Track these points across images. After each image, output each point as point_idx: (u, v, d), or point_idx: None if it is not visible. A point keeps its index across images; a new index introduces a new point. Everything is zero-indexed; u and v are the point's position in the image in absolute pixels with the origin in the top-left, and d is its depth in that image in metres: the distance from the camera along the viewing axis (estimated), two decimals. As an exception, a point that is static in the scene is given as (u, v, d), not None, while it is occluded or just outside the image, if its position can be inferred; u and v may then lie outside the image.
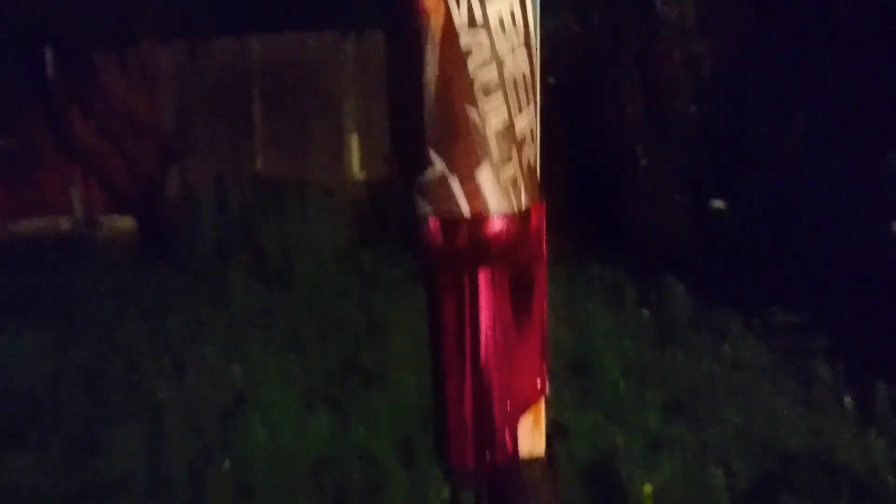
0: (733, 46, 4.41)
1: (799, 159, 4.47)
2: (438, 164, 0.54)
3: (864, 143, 4.09)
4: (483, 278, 0.54)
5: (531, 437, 0.58)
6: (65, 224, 6.26)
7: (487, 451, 0.55)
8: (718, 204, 4.27)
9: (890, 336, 3.52)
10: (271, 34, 6.47)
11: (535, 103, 0.57)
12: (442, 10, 0.51)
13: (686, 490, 2.44)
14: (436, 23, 0.52)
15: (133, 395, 3.04)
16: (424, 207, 0.55)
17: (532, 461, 0.59)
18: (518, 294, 0.55)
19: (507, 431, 0.55)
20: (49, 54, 5.93)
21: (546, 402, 0.60)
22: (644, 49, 4.35)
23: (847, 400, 2.99)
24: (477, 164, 0.54)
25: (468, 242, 0.53)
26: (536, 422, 0.57)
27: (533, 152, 0.57)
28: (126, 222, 6.32)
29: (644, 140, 4.52)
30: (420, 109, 0.54)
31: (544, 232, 0.58)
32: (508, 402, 0.55)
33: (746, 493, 2.40)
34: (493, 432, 0.55)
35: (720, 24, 4.35)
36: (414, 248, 0.60)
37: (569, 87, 4.68)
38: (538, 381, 0.57)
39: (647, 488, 2.49)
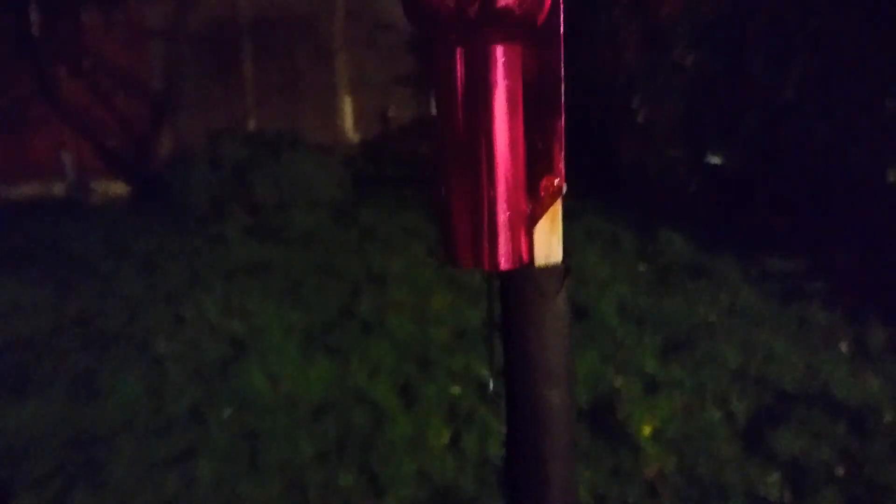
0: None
1: (797, 105, 4.45)
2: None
3: (864, 88, 4.06)
4: (499, 53, 0.53)
5: (548, 242, 0.56)
6: (57, 188, 6.21)
7: (501, 252, 0.54)
8: (715, 159, 4.24)
9: (886, 280, 3.55)
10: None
11: None
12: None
13: (684, 429, 2.47)
14: None
15: (132, 345, 3.05)
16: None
17: (549, 267, 0.58)
18: (533, 79, 0.54)
19: (522, 233, 0.54)
20: (34, 14, 5.81)
21: (564, 204, 0.59)
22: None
23: (843, 343, 3.02)
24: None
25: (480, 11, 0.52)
26: (553, 225, 0.55)
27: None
28: (119, 186, 6.27)
29: (641, 89, 4.48)
30: None
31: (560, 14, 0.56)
32: (523, 199, 0.54)
33: (744, 431, 2.43)
34: (507, 231, 0.54)
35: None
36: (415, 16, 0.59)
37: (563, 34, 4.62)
38: (556, 179, 0.55)
39: (647, 428, 2.53)
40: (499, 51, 0.53)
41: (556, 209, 0.53)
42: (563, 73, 0.56)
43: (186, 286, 3.75)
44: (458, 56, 0.54)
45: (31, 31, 5.86)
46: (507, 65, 0.53)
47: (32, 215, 5.72)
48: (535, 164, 0.52)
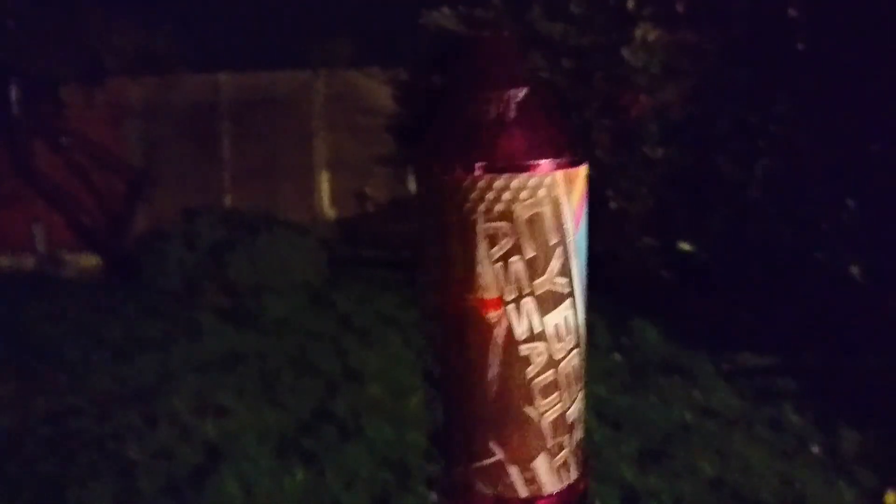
0: (699, 93, 4.54)
1: (763, 203, 4.61)
2: (498, 453, 0.57)
3: (825, 188, 4.23)
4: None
5: None
6: (27, 261, 6.13)
7: None
8: (685, 246, 4.35)
9: (855, 379, 3.63)
10: (242, 72, 6.48)
11: (583, 387, 0.62)
12: (504, 323, 0.55)
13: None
14: (498, 334, 0.55)
15: (102, 450, 2.97)
16: (483, 489, 0.58)
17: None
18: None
19: None
20: (14, 89, 5.84)
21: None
22: (612, 95, 4.45)
23: (815, 448, 3.06)
24: (535, 455, 0.58)
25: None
26: None
27: (581, 431, 0.61)
28: (91, 259, 6.21)
29: (613, 182, 4.60)
30: (480, 404, 0.58)
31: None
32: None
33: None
34: None
35: (686, 71, 4.48)
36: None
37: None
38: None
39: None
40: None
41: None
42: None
43: (158, 380, 3.69)
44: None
45: (9, 106, 5.88)
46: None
47: (1, 290, 5.63)
48: None
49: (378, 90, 6.51)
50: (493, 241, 0.53)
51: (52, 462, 2.86)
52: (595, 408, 3.31)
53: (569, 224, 0.56)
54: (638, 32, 3.95)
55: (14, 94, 5.80)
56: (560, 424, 0.56)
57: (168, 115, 6.30)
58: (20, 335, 4.52)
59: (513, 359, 0.54)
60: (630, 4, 3.95)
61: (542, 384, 0.54)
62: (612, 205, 4.94)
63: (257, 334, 4.37)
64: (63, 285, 5.81)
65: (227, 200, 6.56)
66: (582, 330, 0.59)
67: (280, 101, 6.57)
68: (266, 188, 6.46)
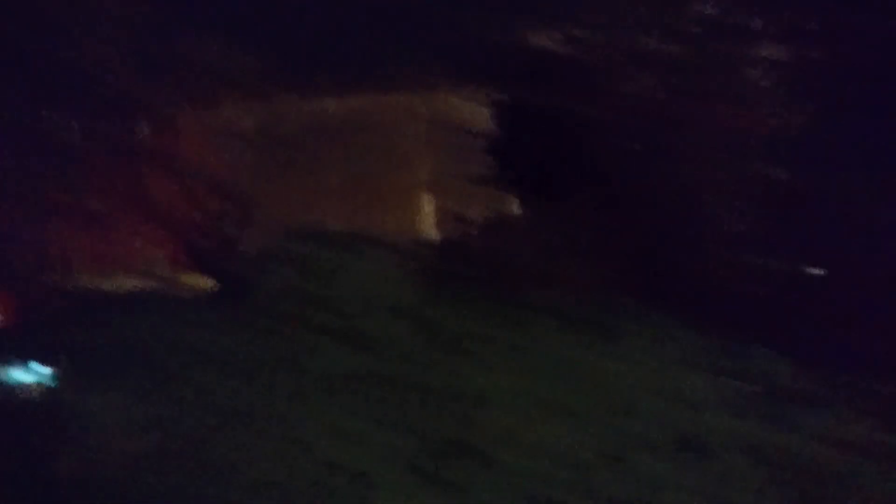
0: (821, 112, 4.38)
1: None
2: None
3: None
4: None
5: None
6: (147, 282, 6.42)
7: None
8: (815, 270, 4.17)
9: None
10: (345, 96, 6.64)
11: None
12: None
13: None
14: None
15: (235, 474, 3.06)
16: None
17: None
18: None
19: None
20: (142, 117, 6.16)
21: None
22: (731, 113, 4.33)
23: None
24: None
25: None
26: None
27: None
28: (204, 281, 6.45)
29: (731, 205, 4.47)
30: None
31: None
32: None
33: None
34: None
35: (808, 90, 4.32)
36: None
37: (650, 152, 4.68)
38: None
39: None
40: None
41: None
42: None
43: (280, 401, 3.78)
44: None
45: (134, 136, 6.20)
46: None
47: (122, 310, 5.90)
48: None
49: (478, 112, 6.54)
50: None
51: (191, 484, 2.97)
52: (731, 437, 3.19)
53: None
54: (762, 51, 3.84)
55: (142, 121, 6.13)
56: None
57: (275, 139, 6.52)
58: (144, 354, 4.71)
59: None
60: (755, 23, 3.85)
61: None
62: (728, 226, 4.80)
63: (373, 356, 4.42)
64: (180, 307, 6.05)
65: (331, 223, 6.71)
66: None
67: (382, 124, 6.69)
68: (369, 210, 6.58)
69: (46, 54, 5.51)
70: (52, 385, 3.91)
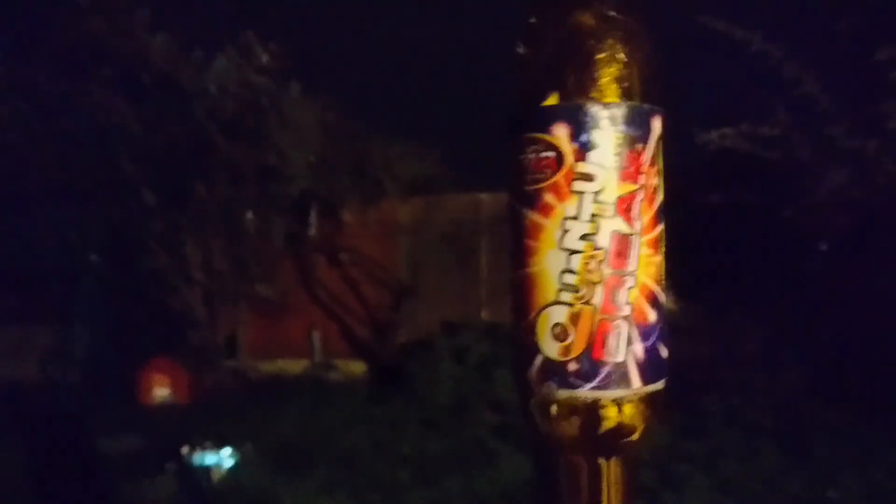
0: None
1: None
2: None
3: None
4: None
5: None
6: (304, 365, 6.72)
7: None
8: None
9: None
10: (500, 191, 6.85)
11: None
12: None
13: None
14: None
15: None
16: None
17: None
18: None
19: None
20: (313, 213, 6.63)
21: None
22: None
23: None
24: None
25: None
26: None
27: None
28: (358, 366, 6.68)
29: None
30: None
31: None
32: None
33: None
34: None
35: None
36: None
37: (840, 252, 4.50)
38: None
39: None
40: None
41: None
42: None
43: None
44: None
45: (305, 230, 6.65)
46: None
47: (291, 393, 6.15)
48: None
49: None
50: None
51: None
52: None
53: None
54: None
55: (313, 216, 6.57)
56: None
57: (432, 232, 6.78)
58: (323, 445, 4.81)
59: None
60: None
61: None
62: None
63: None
64: (333, 390, 6.25)
65: (484, 314, 6.82)
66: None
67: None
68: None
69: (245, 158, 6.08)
70: (235, 470, 4.08)
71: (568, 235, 0.55)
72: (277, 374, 6.61)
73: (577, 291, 0.55)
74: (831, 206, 4.09)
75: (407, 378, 6.01)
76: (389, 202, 6.71)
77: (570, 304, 0.55)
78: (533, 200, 0.56)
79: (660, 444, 3.96)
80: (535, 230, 0.56)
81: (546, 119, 0.55)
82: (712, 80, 4.56)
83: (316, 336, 6.83)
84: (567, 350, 0.56)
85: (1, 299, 7.25)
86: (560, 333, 0.56)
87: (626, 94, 0.55)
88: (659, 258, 0.58)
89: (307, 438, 4.84)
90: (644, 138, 0.56)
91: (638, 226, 0.56)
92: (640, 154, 0.56)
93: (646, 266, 0.57)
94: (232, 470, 4.14)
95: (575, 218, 0.54)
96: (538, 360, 0.57)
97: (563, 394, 0.56)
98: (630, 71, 0.55)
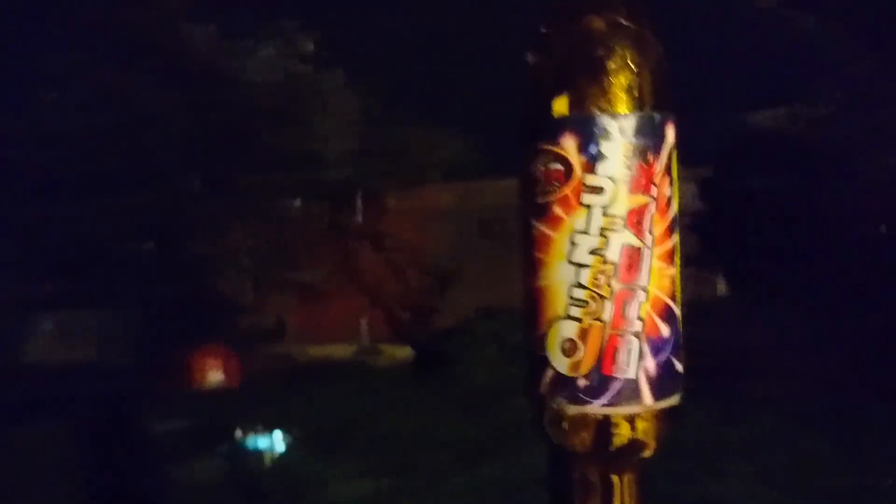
0: None
1: None
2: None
3: None
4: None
5: None
6: (350, 350, 6.81)
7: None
8: None
9: None
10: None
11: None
12: None
13: None
14: None
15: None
16: None
17: None
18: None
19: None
20: (359, 200, 6.69)
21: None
22: None
23: None
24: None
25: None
26: None
27: None
28: (403, 351, 6.73)
29: None
30: None
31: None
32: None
33: None
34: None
35: None
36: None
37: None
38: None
39: None
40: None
41: None
42: None
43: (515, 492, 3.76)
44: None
45: (347, 216, 6.72)
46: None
47: (333, 378, 6.23)
48: None
49: (681, 188, 6.41)
50: None
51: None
52: None
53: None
54: None
55: (359, 203, 6.63)
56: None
57: (473, 217, 6.77)
58: (369, 429, 4.85)
59: None
60: None
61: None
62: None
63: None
64: (383, 375, 6.31)
65: (516, 301, 6.76)
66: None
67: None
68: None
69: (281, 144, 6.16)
70: (284, 453, 4.15)
71: (577, 249, 0.53)
72: (323, 358, 6.71)
73: (586, 306, 0.54)
74: (885, 190, 3.95)
75: (448, 363, 6.04)
76: (431, 188, 6.72)
77: (580, 320, 0.54)
78: (542, 212, 0.55)
79: (702, 431, 3.90)
80: (544, 243, 0.55)
81: (555, 130, 0.54)
82: (761, 61, 4.43)
83: (362, 321, 6.91)
84: (577, 366, 0.55)
85: (57, 284, 7.50)
86: (569, 349, 0.55)
87: (638, 104, 0.54)
88: (673, 271, 0.56)
89: (351, 422, 4.91)
90: (656, 148, 0.54)
91: (650, 238, 0.54)
92: (651, 165, 0.54)
93: (658, 279, 0.55)
94: (281, 454, 4.21)
95: (584, 231, 0.53)
96: (548, 375, 0.57)
97: (574, 409, 0.55)
98: (641, 79, 0.54)
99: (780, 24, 4.16)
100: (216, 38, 6.41)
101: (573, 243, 0.54)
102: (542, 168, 0.55)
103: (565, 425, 0.56)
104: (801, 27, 4.09)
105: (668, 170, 0.56)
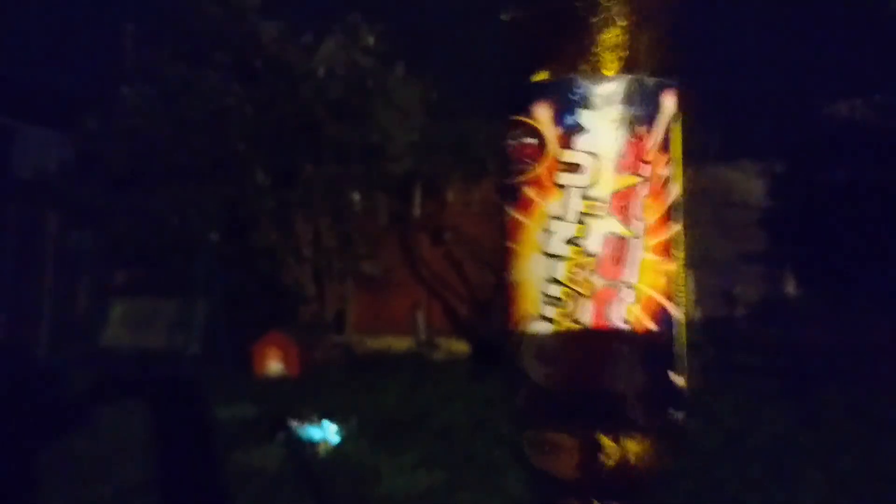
0: None
1: None
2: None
3: None
4: None
5: None
6: (408, 342, 6.81)
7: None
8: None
9: None
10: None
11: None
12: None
13: None
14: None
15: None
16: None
17: None
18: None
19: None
20: (417, 192, 6.67)
21: None
22: None
23: None
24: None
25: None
26: None
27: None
28: (460, 345, 6.69)
29: None
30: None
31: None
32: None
33: None
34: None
35: None
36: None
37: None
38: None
39: None
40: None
41: None
42: None
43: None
44: None
45: (409, 208, 6.70)
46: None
47: (391, 370, 6.24)
48: None
49: (748, 183, 6.13)
50: None
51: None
52: None
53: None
54: None
55: (416, 195, 6.61)
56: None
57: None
58: (422, 422, 4.82)
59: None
60: None
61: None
62: None
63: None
64: (436, 368, 6.28)
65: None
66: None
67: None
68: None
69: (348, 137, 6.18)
70: (339, 444, 4.16)
71: (551, 238, 0.45)
72: (383, 350, 6.73)
73: (561, 305, 0.45)
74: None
75: (507, 357, 5.95)
76: (492, 181, 6.62)
77: (555, 321, 0.46)
78: (513, 195, 0.47)
79: (773, 435, 3.70)
80: (517, 231, 0.47)
81: (527, 98, 0.45)
82: (838, 49, 4.16)
83: (420, 314, 6.89)
84: (552, 376, 0.46)
85: (130, 273, 7.77)
86: (544, 356, 0.46)
87: (628, 66, 0.45)
88: (672, 266, 0.47)
89: (408, 414, 4.90)
90: (649, 119, 0.45)
91: (639, 227, 0.45)
92: (642, 139, 0.45)
93: (651, 276, 0.46)
94: (337, 444, 4.23)
95: (559, 218, 0.44)
96: (525, 387, 0.49)
97: (552, 429, 0.47)
98: (632, 37, 0.44)
99: (858, 11, 3.89)
100: (283, 32, 6.48)
101: (547, 231, 0.45)
102: (513, 143, 0.46)
103: (545, 447, 0.48)
104: (881, 13, 3.81)
105: (664, 146, 0.46)
